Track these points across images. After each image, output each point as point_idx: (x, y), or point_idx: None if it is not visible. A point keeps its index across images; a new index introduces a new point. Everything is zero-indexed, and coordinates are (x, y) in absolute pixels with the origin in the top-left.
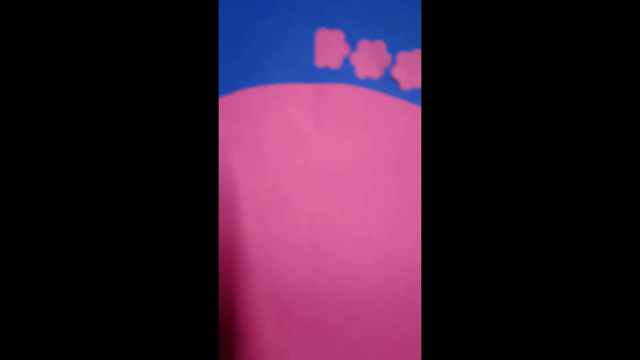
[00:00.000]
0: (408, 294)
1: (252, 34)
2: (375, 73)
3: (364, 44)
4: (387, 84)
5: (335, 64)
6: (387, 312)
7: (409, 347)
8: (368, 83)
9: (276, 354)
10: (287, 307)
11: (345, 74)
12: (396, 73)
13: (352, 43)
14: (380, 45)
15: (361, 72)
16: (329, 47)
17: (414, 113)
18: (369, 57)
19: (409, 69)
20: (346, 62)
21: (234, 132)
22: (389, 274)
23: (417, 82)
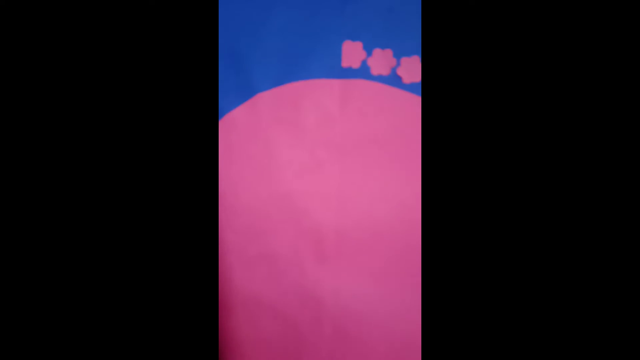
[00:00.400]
0: (411, 231)
1: (297, 44)
2: (385, 71)
3: (377, 51)
4: (393, 80)
5: (356, 65)
6: (396, 244)
7: (412, 269)
8: (380, 79)
9: (313, 279)
10: (320, 241)
11: (363, 72)
12: (400, 71)
13: (369, 50)
14: (389, 52)
15: (375, 71)
16: (351, 53)
17: (413, 100)
18: (381, 60)
19: (410, 69)
20: (364, 63)
21: (281, 114)
22: (396, 215)
23: (415, 78)
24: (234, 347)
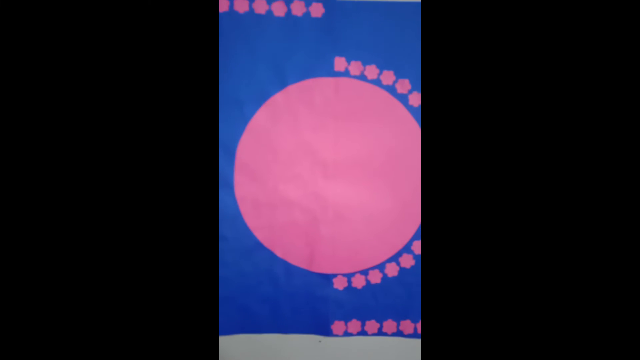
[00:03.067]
0: (376, 159)
1: (311, 59)
2: (358, 73)
3: (353, 62)
4: (363, 77)
5: (342, 69)
6: (367, 167)
7: (378, 180)
8: (355, 77)
9: (322, 187)
10: (325, 167)
11: (346, 74)
12: (366, 73)
13: (348, 62)
14: (359, 62)
15: (352, 73)
16: (340, 63)
17: (374, 89)
18: (355, 67)
19: (372, 71)
20: (346, 69)
21: (302, 97)
22: (367, 151)
23: (374, 76)
24: (276, 230)
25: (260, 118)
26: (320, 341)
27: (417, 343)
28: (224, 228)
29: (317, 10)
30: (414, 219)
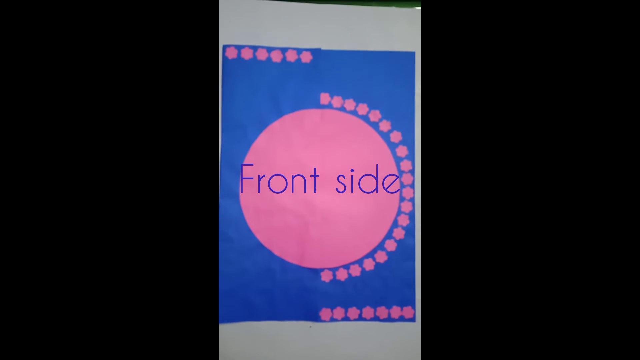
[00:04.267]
0: (359, 170)
1: (301, 93)
2: (339, 105)
3: (335, 97)
4: (343, 109)
5: (326, 102)
6: (349, 179)
7: (365, 187)
8: (337, 109)
9: (310, 195)
10: (313, 179)
11: (330, 106)
12: (345, 105)
13: (331, 96)
14: (340, 97)
15: (335, 105)
16: (324, 98)
17: (352, 118)
18: (337, 101)
19: (350, 104)
20: (330, 102)
21: (295, 123)
22: (347, 165)
23: (351, 108)
24: (274, 232)
25: (262, 141)
26: (310, 326)
27: (391, 326)
28: (230, 231)
29: (306, 57)
30: (387, 220)
